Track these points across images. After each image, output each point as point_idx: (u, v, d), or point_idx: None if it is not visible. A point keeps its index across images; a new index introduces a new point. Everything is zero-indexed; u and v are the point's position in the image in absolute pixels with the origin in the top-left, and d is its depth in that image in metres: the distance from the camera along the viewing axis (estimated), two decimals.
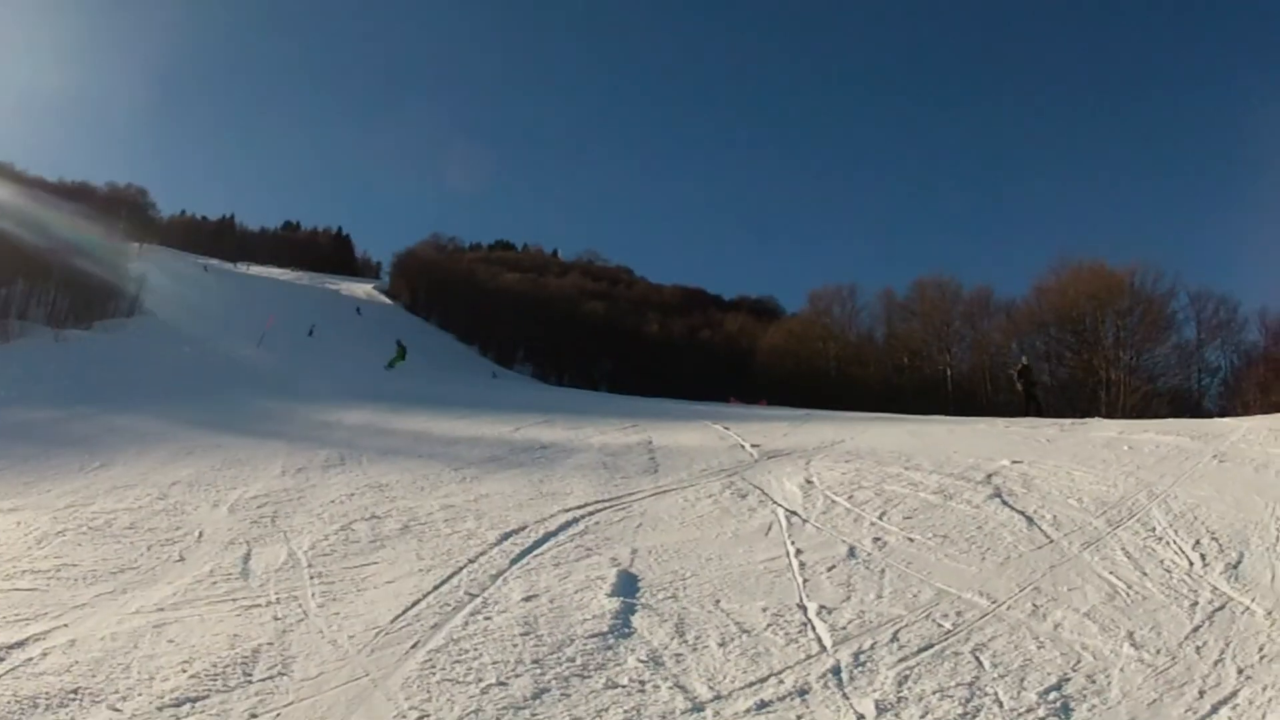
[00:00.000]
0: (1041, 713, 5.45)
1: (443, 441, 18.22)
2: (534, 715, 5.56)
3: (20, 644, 6.82)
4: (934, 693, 5.75)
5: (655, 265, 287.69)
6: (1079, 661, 6.24)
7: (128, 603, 8.01)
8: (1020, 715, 5.43)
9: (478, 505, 11.97)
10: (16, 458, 16.62)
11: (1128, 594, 7.61)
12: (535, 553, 9.44)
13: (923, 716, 5.45)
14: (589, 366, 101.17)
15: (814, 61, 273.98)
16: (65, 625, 7.35)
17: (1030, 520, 10.02)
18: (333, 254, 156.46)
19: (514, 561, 9.12)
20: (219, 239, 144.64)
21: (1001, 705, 5.56)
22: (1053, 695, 5.68)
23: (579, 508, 11.50)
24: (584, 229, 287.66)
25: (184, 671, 6.28)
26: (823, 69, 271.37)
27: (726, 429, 18.74)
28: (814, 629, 6.95)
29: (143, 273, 77.66)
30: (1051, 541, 9.22)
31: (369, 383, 36.64)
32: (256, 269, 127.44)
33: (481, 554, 9.40)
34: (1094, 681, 5.92)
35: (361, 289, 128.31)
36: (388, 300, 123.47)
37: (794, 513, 10.82)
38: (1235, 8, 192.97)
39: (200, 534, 10.63)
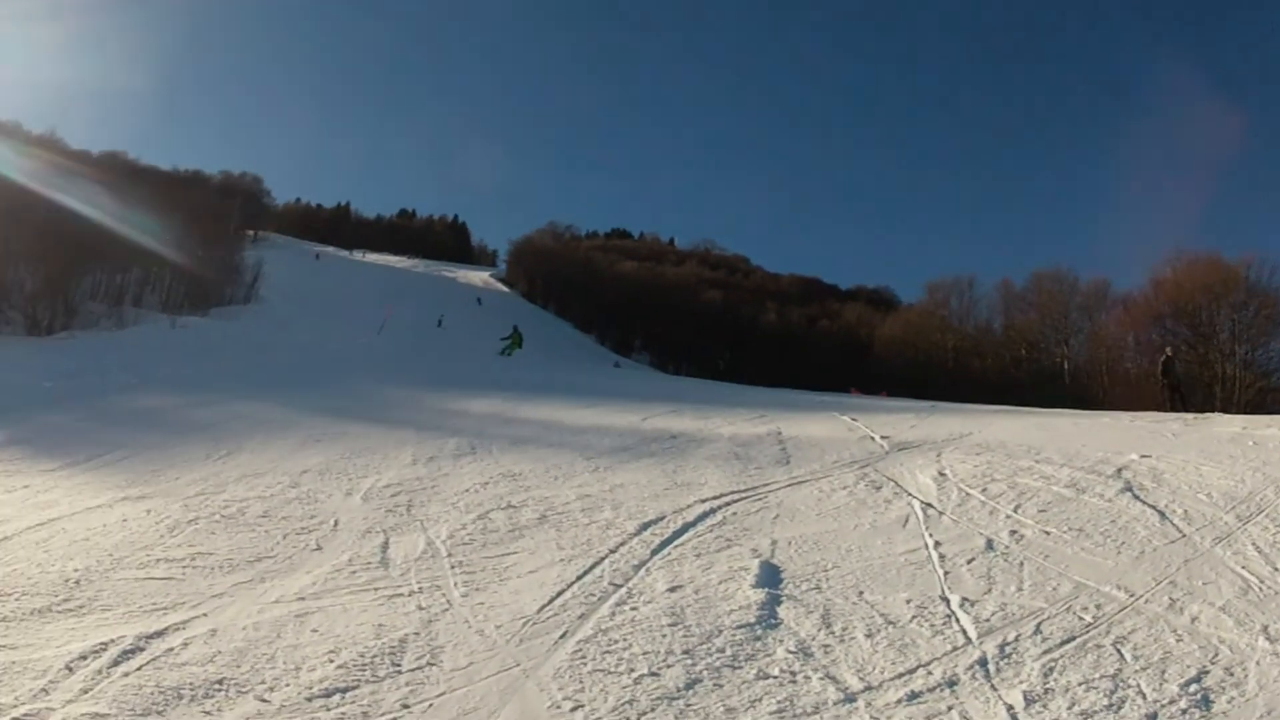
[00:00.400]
0: (1183, 704, 5.55)
1: (572, 430, 18.27)
2: (688, 705, 5.68)
3: (160, 634, 6.84)
4: (1079, 684, 5.88)
5: (772, 254, 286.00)
6: (1216, 654, 6.31)
7: (267, 592, 8.06)
8: (1163, 706, 5.53)
9: (613, 495, 12.06)
10: (142, 445, 16.44)
11: (1260, 588, 7.68)
12: (675, 543, 9.56)
13: (1070, 708, 5.57)
14: (707, 356, 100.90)
15: (929, 52, 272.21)
16: (204, 615, 7.37)
17: (1162, 515, 10.08)
18: (449, 242, 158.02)
19: (655, 552, 9.24)
20: (334, 227, 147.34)
21: (1145, 697, 5.66)
22: (1193, 687, 5.78)
23: (715, 498, 11.60)
24: (700, 217, 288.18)
25: (331, 661, 6.37)
26: (937, 60, 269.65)
27: (854, 420, 18.75)
28: (958, 621, 7.09)
29: (259, 260, 78.73)
30: (1184, 536, 9.30)
31: (492, 371, 36.30)
32: (373, 256, 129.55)
33: (622, 544, 9.53)
34: (1232, 674, 6.00)
35: (478, 277, 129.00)
36: (505, 288, 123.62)
37: (929, 505, 10.96)
38: None
39: (336, 522, 10.68)
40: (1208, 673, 6.03)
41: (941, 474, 12.62)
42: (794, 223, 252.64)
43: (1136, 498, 10.89)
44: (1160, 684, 5.86)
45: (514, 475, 13.41)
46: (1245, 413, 33.54)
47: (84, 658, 6.25)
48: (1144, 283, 71.17)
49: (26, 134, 73.11)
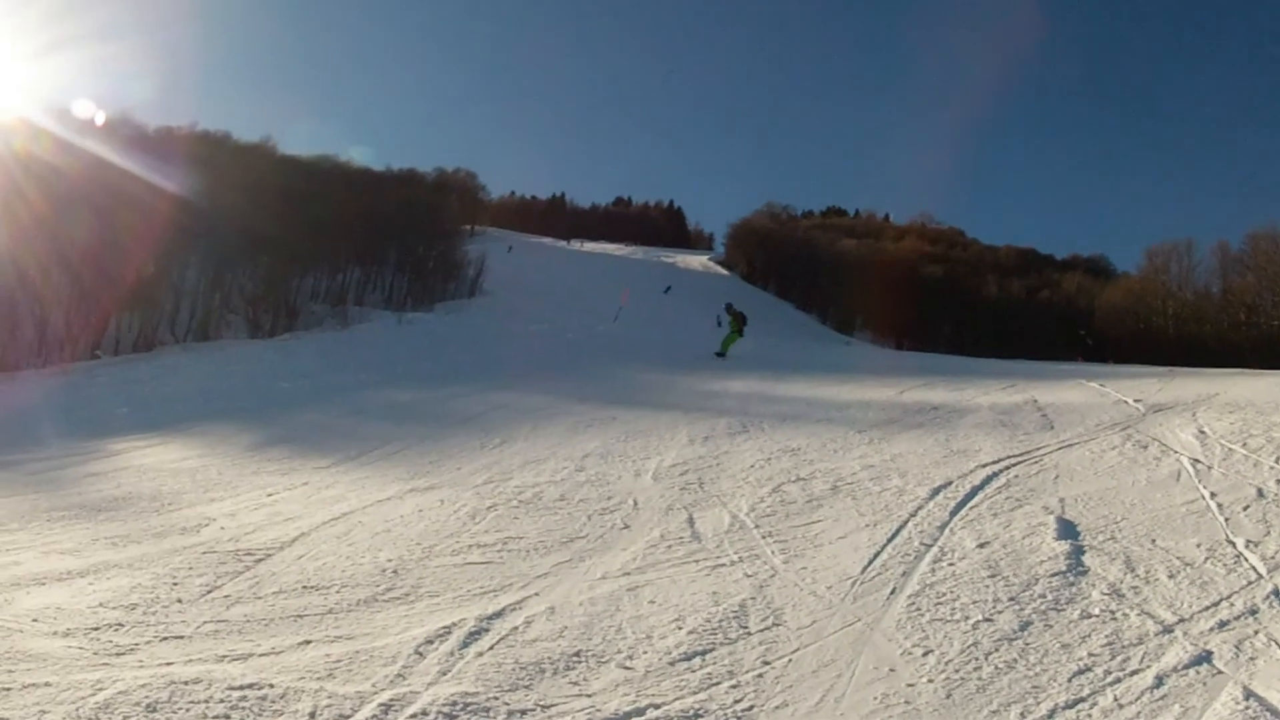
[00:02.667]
0: None
1: (834, 406, 18.69)
2: (1027, 645, 6.35)
3: (498, 614, 7.21)
4: None
5: (985, 226, 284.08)
6: None
7: (589, 570, 8.50)
8: None
9: (895, 464, 12.62)
10: (411, 438, 17.03)
11: None
12: (969, 505, 10.16)
13: None
14: (929, 331, 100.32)
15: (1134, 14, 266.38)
16: (536, 594, 7.77)
17: None
18: (665, 227, 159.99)
19: (953, 514, 9.84)
20: (550, 218, 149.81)
21: None
22: None
23: (993, 463, 12.16)
24: (914, 190, 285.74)
25: (679, 629, 6.83)
26: (1139, 22, 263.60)
27: (1102, 386, 19.14)
28: (1246, 560, 7.79)
29: (482, 253, 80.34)
30: None
31: (737, 354, 35.37)
32: (590, 245, 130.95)
33: (919, 508, 10.10)
34: None
35: (697, 260, 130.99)
36: (724, 271, 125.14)
37: (1197, 460, 11.50)
38: None
39: (635, 502, 11.12)
40: None
41: (1201, 432, 13.13)
42: (1006, 193, 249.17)
43: None
44: None
45: (793, 450, 13.93)
46: None
47: (430, 642, 6.62)
48: None
49: (236, 143, 74.98)
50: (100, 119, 46.09)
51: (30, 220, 41.92)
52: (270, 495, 12.74)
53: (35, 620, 7.16)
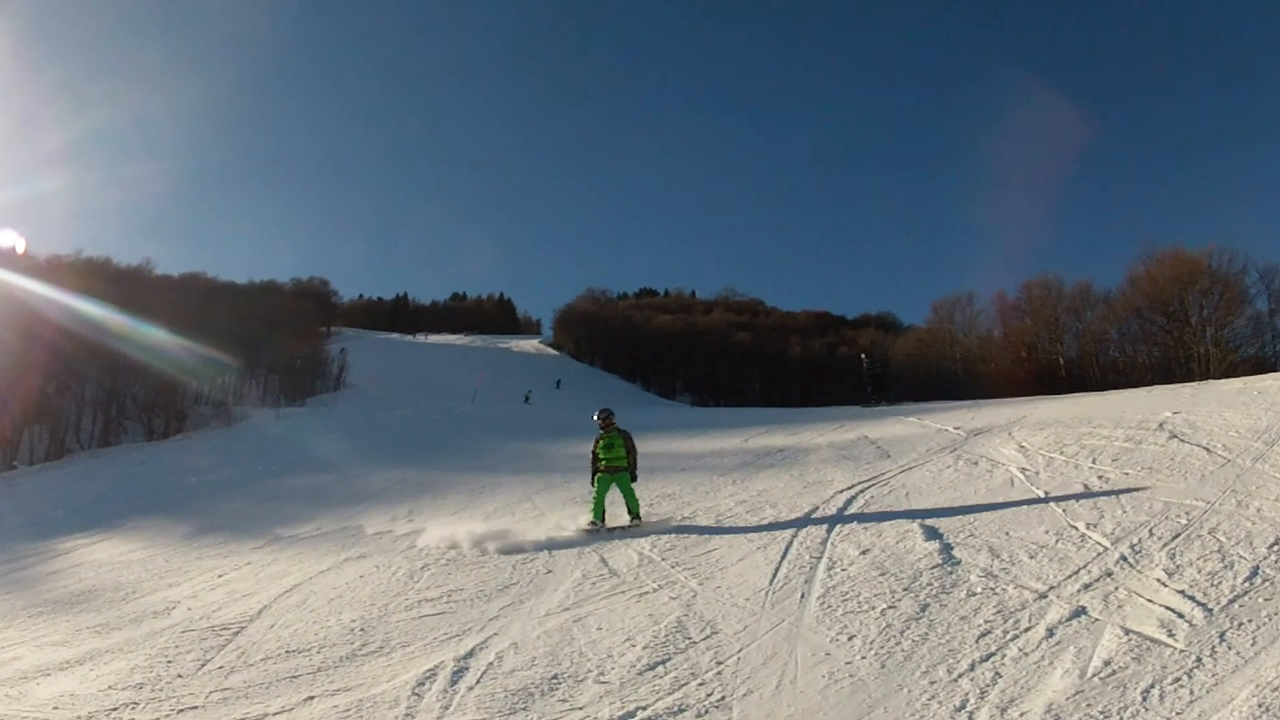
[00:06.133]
0: (1273, 558, 7.16)
1: (693, 456, 19.03)
2: (931, 621, 6.94)
3: (470, 654, 7.48)
4: (1197, 559, 7.43)
5: (783, 293, 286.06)
6: None
7: (533, 609, 8.76)
8: (1261, 560, 7.19)
9: (764, 497, 13.11)
10: (330, 516, 17.03)
11: None
12: (840, 523, 10.64)
13: (1199, 571, 7.13)
14: (743, 390, 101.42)
15: (890, 93, 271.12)
16: (495, 634, 8.03)
17: (1207, 449, 11.60)
18: (498, 317, 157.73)
19: (830, 530, 10.34)
20: (395, 316, 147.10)
21: (1244, 558, 7.27)
22: (1275, 547, 7.41)
23: (848, 489, 12.70)
24: (717, 267, 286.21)
25: (633, 646, 7.21)
26: (904, 101, 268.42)
27: (921, 419, 19.75)
28: (1090, 538, 8.57)
29: (343, 351, 79.75)
30: (1229, 460, 10.86)
31: (585, 421, 35.25)
32: (434, 338, 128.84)
33: (799, 530, 10.56)
34: None
35: (529, 345, 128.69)
36: (554, 351, 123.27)
37: (1024, 469, 12.32)
38: None
39: (549, 550, 11.38)
40: None
41: (1021, 446, 13.96)
42: (795, 261, 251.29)
43: (1183, 441, 12.40)
44: (1252, 549, 7.48)
45: (670, 495, 14.41)
46: None
47: (422, 684, 6.86)
48: (1121, 281, 72.37)
49: (117, 267, 73.88)
50: (21, 247, 45.42)
51: None
52: (221, 576, 12.79)
53: (56, 708, 7.28)
